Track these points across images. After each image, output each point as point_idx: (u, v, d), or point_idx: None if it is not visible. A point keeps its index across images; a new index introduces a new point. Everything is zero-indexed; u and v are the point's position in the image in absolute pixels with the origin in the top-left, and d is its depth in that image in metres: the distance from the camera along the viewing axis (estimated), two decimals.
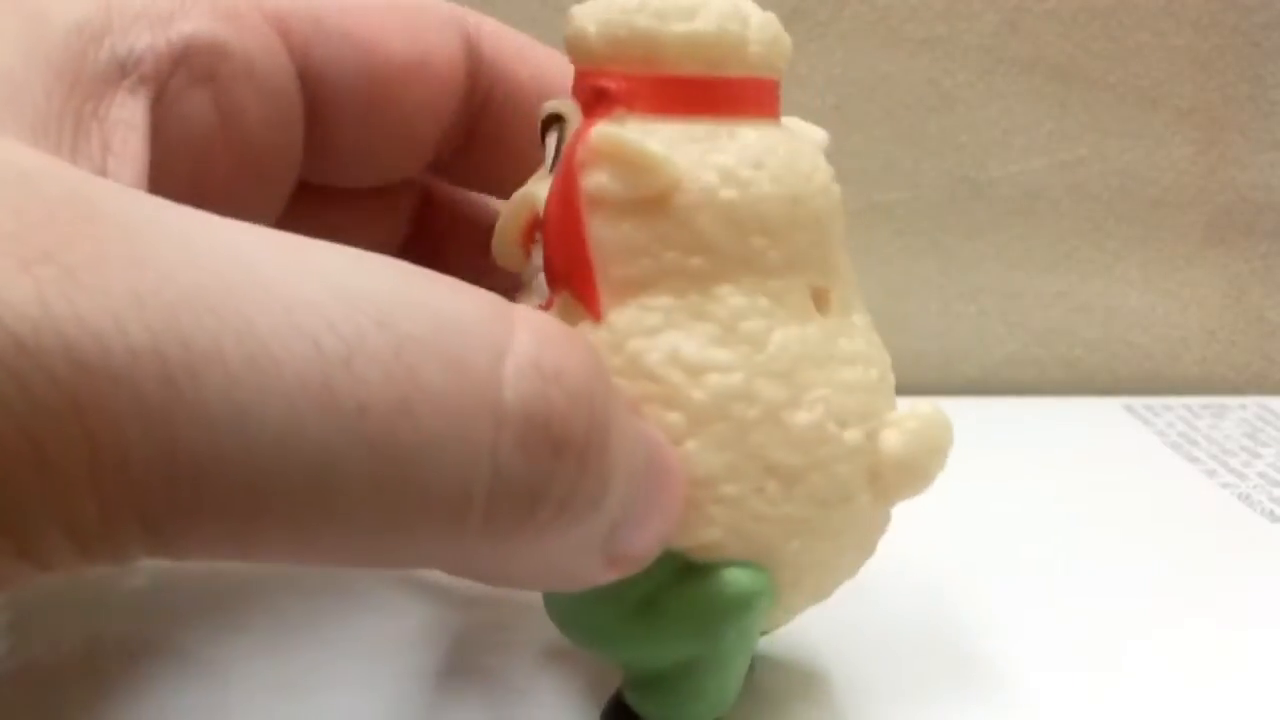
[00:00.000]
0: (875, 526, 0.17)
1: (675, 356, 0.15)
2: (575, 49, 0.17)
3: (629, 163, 0.15)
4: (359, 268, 0.12)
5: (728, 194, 0.16)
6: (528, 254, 0.17)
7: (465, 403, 0.11)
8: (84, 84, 0.14)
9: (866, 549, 0.17)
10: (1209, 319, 0.37)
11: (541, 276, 0.17)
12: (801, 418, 0.16)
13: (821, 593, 0.17)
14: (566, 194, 0.16)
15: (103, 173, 0.14)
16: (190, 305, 0.10)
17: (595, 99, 0.16)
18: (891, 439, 0.17)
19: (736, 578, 0.16)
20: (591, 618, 0.17)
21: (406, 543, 0.11)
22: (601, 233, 0.16)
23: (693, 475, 0.15)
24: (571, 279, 0.16)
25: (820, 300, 0.17)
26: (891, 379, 0.17)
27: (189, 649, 0.20)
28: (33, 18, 0.14)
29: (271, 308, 0.10)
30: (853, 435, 0.16)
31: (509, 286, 0.17)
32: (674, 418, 0.15)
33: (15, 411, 0.09)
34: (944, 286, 0.36)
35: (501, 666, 0.20)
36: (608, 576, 0.14)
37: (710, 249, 0.16)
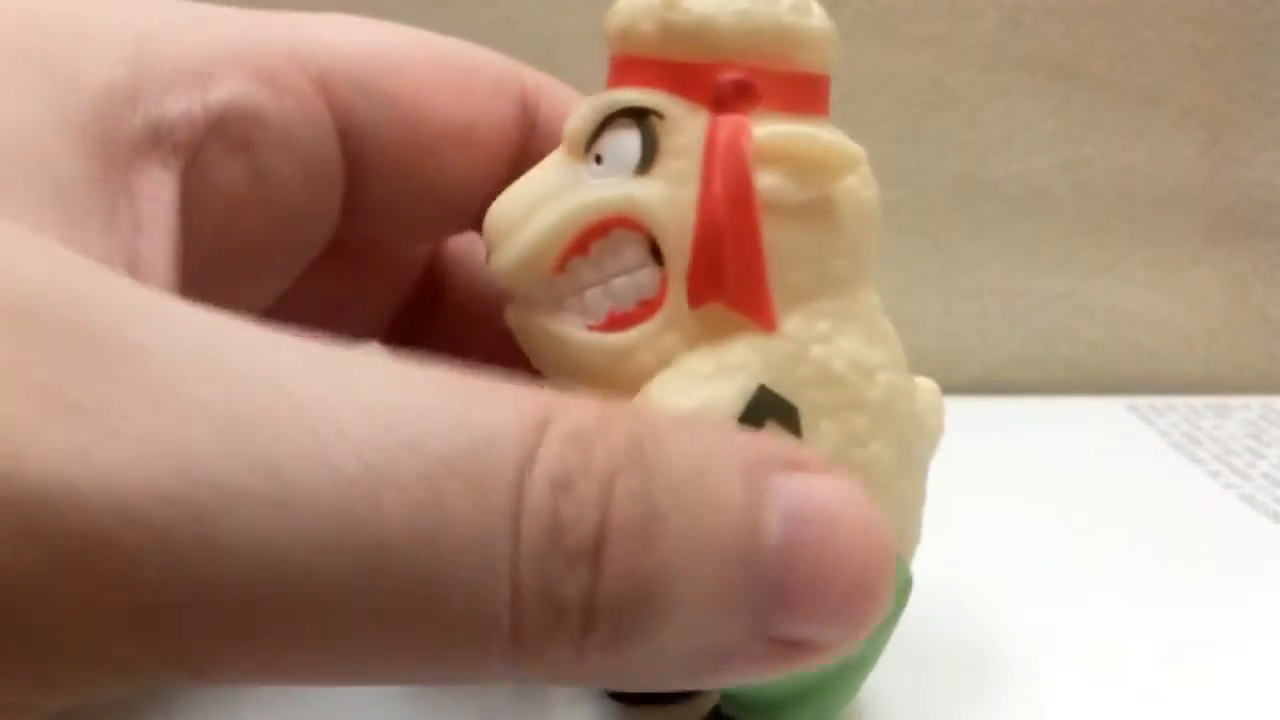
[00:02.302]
0: None
1: (855, 360, 0.15)
2: (690, 39, 0.15)
3: (819, 164, 0.15)
4: (395, 384, 0.11)
5: (867, 194, 0.16)
6: (562, 270, 0.15)
7: (488, 523, 0.11)
8: (115, 153, 0.14)
9: None
10: (1212, 318, 0.37)
11: (594, 291, 0.15)
12: (917, 406, 0.16)
13: None
14: (741, 197, 0.14)
15: (134, 253, 0.14)
16: (213, 446, 0.10)
17: (738, 94, 0.15)
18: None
19: (906, 567, 0.16)
20: None
21: (437, 665, 0.11)
22: (775, 238, 0.15)
23: (876, 477, 0.15)
24: (741, 289, 0.15)
25: None
26: None
27: None
28: (62, 79, 0.14)
29: (299, 438, 0.10)
30: None
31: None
32: (861, 421, 0.15)
33: (58, 560, 0.10)
34: (946, 286, 0.36)
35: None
36: (786, 667, 0.13)
37: (854, 250, 0.15)
